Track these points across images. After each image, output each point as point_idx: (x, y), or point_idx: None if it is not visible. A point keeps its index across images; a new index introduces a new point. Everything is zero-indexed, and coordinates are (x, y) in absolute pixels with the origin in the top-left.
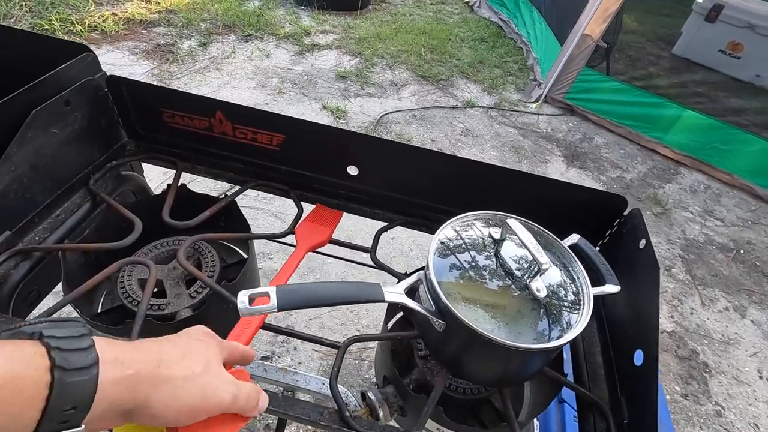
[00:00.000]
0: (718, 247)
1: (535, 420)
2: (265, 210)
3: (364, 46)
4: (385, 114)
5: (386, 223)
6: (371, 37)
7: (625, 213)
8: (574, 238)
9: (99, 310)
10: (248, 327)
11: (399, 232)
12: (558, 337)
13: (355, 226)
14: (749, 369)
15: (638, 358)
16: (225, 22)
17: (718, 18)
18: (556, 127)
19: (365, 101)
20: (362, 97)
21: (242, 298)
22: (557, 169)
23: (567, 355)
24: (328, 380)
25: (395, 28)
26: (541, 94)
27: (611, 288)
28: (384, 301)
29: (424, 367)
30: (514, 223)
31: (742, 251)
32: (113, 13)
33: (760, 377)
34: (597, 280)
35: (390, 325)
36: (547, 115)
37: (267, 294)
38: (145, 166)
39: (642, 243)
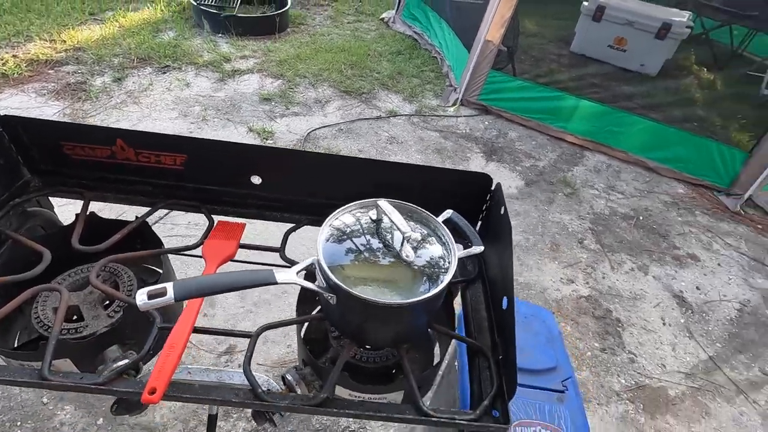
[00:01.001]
0: (621, 217)
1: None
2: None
3: (285, 67)
4: (312, 130)
5: (293, 225)
6: (292, 58)
7: (493, 188)
8: (447, 213)
9: (15, 345)
10: (175, 348)
11: (308, 231)
12: (426, 292)
13: (269, 230)
14: (654, 318)
15: (504, 303)
16: (139, 55)
17: (602, 18)
18: (474, 127)
19: (291, 120)
20: (288, 117)
21: (141, 296)
22: (478, 165)
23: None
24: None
25: (315, 48)
26: (457, 98)
27: (476, 248)
28: (276, 283)
29: (337, 346)
30: (383, 203)
31: (641, 218)
32: (14, 56)
33: (663, 324)
34: (468, 245)
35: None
36: (464, 116)
37: (165, 289)
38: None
39: (502, 210)
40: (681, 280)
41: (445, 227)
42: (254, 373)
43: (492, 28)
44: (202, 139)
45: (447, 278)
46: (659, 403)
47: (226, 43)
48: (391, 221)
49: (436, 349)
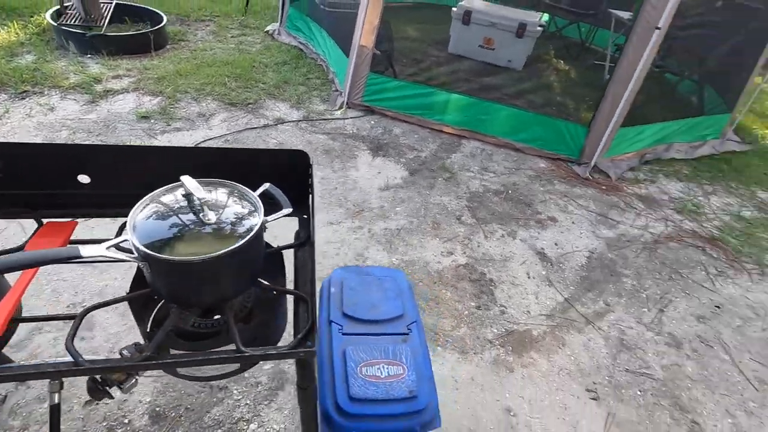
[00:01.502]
0: (494, 193)
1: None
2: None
3: (164, 84)
4: (197, 144)
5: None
6: (171, 75)
7: (311, 163)
8: (265, 185)
9: None
10: None
11: None
12: (225, 249)
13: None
14: (521, 274)
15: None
16: None
17: (471, 21)
18: (361, 127)
19: (173, 136)
20: (170, 133)
21: None
22: (365, 161)
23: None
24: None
25: (196, 64)
26: (343, 101)
27: (284, 211)
28: (81, 257)
29: (172, 314)
30: (186, 179)
31: (510, 191)
32: None
33: (528, 277)
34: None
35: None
36: (351, 118)
37: None
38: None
39: (309, 180)
40: (543, 240)
41: (254, 195)
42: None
43: (364, 35)
44: (15, 143)
45: (248, 236)
46: (525, 343)
47: (97, 63)
48: (191, 192)
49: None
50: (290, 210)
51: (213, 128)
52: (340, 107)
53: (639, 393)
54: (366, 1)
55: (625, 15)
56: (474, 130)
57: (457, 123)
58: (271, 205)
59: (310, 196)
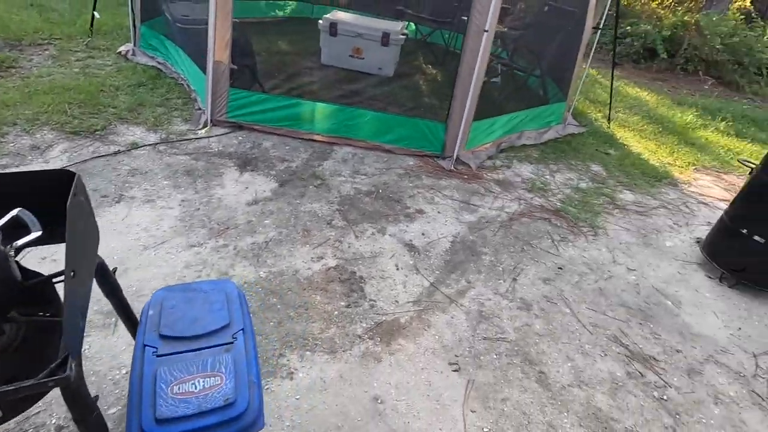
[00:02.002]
0: (365, 194)
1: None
2: None
3: None
4: None
5: None
6: None
7: (76, 182)
8: (14, 211)
9: None
10: None
11: None
12: None
13: None
14: (390, 267)
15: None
16: None
17: (338, 33)
18: (228, 144)
19: None
20: None
21: None
22: (232, 177)
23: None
24: None
25: (28, 92)
26: (206, 119)
27: (33, 234)
28: None
29: None
30: None
31: (380, 191)
32: None
33: (397, 269)
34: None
35: None
36: (217, 135)
37: None
38: None
39: (82, 197)
40: (411, 232)
41: None
42: None
43: (217, 50)
44: None
45: None
46: (393, 331)
47: None
48: None
49: None
50: (39, 233)
51: (51, 161)
52: (204, 126)
53: (495, 357)
54: (213, 16)
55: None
56: (344, 136)
57: (327, 131)
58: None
59: (70, 218)
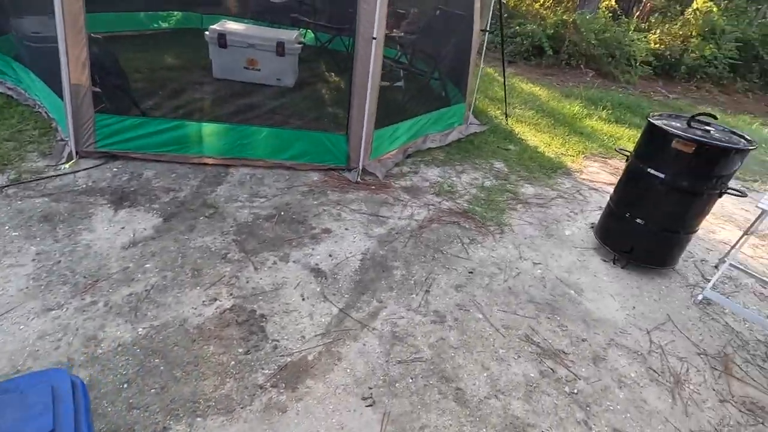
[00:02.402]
0: (265, 219)
1: None
2: None
3: None
4: None
5: None
6: None
7: None
8: None
9: None
10: None
11: None
12: None
13: None
14: (294, 299)
15: None
16: None
17: (228, 44)
18: (99, 178)
19: None
20: None
21: None
22: (105, 217)
23: None
24: None
25: None
26: (71, 151)
27: None
28: None
29: None
30: None
31: (282, 213)
32: None
33: (303, 299)
34: None
35: None
36: (86, 169)
37: None
38: None
39: None
40: (317, 255)
41: None
42: None
43: (73, 72)
44: None
45: None
46: (299, 373)
47: None
48: None
49: None
50: None
51: None
52: (68, 159)
53: (411, 381)
54: (63, 33)
55: None
56: (240, 157)
57: (220, 152)
58: None
59: None
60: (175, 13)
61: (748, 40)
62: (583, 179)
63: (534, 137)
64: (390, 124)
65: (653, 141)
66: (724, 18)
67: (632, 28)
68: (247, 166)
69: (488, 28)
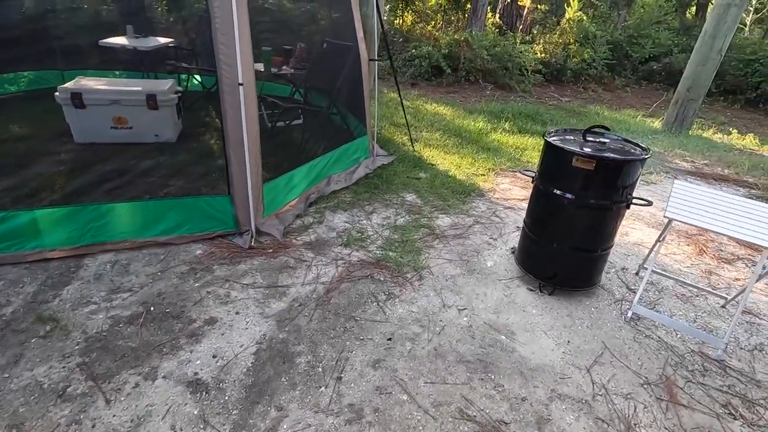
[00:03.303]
0: (126, 322)
1: None
2: None
3: None
4: None
5: None
6: None
7: None
8: None
9: None
10: None
11: None
12: None
13: None
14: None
15: None
16: None
17: (86, 103)
18: None
19: None
20: None
21: None
22: None
23: None
24: None
25: None
26: None
27: None
28: None
29: None
30: None
31: (152, 308)
32: None
33: None
34: None
35: None
36: None
37: None
38: None
39: None
40: (197, 360)
41: None
42: None
43: None
44: None
45: None
46: None
47: None
48: None
49: None
50: None
51: None
52: None
53: None
54: None
55: (258, 66)
56: (96, 243)
57: (68, 242)
58: None
59: None
60: (26, 73)
61: (617, 42)
62: (497, 199)
63: (443, 160)
64: (285, 171)
65: (554, 161)
66: (594, 24)
67: (518, 41)
68: (108, 251)
69: (376, 57)
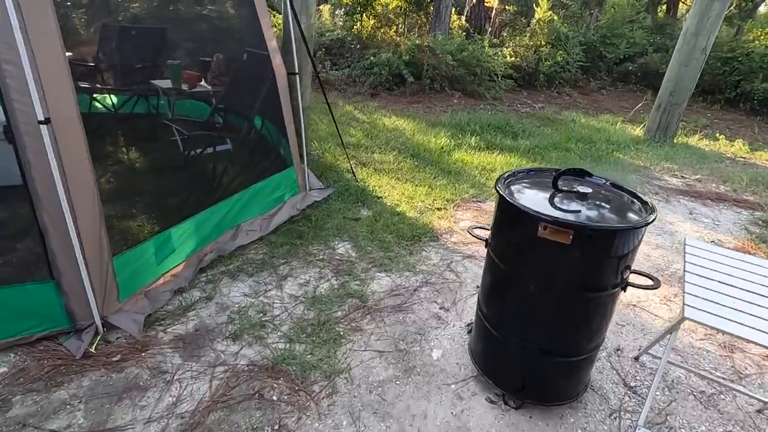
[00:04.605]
0: None
1: None
2: None
3: None
4: None
5: None
6: None
7: None
8: None
9: None
10: None
11: None
12: None
13: None
14: None
15: None
16: None
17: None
18: None
19: None
20: None
21: None
22: None
23: None
24: None
25: None
26: None
27: None
28: None
29: None
30: None
31: None
32: None
33: None
34: None
35: None
36: None
37: None
38: None
39: None
40: None
41: None
42: None
43: None
44: None
45: None
46: None
47: None
48: None
49: None
50: None
51: None
52: None
53: None
54: None
55: (164, 84)
56: None
57: None
58: None
59: None
60: None
61: (590, 43)
62: (455, 244)
63: (393, 190)
64: (160, 230)
65: (511, 226)
66: (566, 25)
67: (487, 45)
68: None
69: (296, 70)
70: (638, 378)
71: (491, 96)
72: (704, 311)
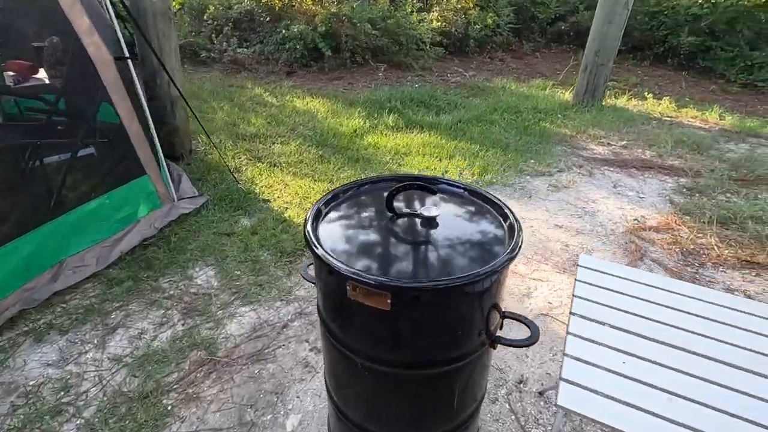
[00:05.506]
0: None
1: None
2: None
3: None
4: None
5: None
6: None
7: None
8: None
9: None
10: None
11: None
12: None
13: None
14: None
15: None
16: None
17: None
18: None
19: None
20: None
21: None
22: None
23: None
24: None
25: None
26: None
27: None
28: None
29: None
30: None
31: None
32: None
33: None
34: None
35: None
36: None
37: None
38: None
39: None
40: None
41: None
42: None
43: None
44: None
45: None
46: None
47: None
48: None
49: None
50: None
51: None
52: None
53: None
54: None
55: None
56: None
57: None
58: None
59: None
60: None
61: (521, 3)
62: None
63: (286, 189)
64: None
65: (322, 279)
66: None
67: (411, 10)
68: None
69: (126, 54)
70: (541, 421)
71: (420, 66)
72: (581, 388)
